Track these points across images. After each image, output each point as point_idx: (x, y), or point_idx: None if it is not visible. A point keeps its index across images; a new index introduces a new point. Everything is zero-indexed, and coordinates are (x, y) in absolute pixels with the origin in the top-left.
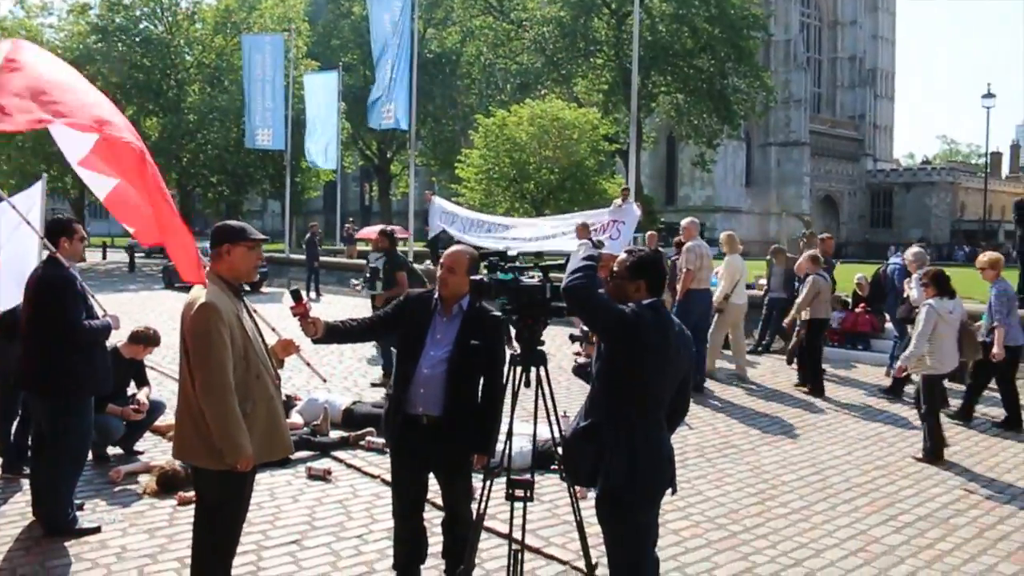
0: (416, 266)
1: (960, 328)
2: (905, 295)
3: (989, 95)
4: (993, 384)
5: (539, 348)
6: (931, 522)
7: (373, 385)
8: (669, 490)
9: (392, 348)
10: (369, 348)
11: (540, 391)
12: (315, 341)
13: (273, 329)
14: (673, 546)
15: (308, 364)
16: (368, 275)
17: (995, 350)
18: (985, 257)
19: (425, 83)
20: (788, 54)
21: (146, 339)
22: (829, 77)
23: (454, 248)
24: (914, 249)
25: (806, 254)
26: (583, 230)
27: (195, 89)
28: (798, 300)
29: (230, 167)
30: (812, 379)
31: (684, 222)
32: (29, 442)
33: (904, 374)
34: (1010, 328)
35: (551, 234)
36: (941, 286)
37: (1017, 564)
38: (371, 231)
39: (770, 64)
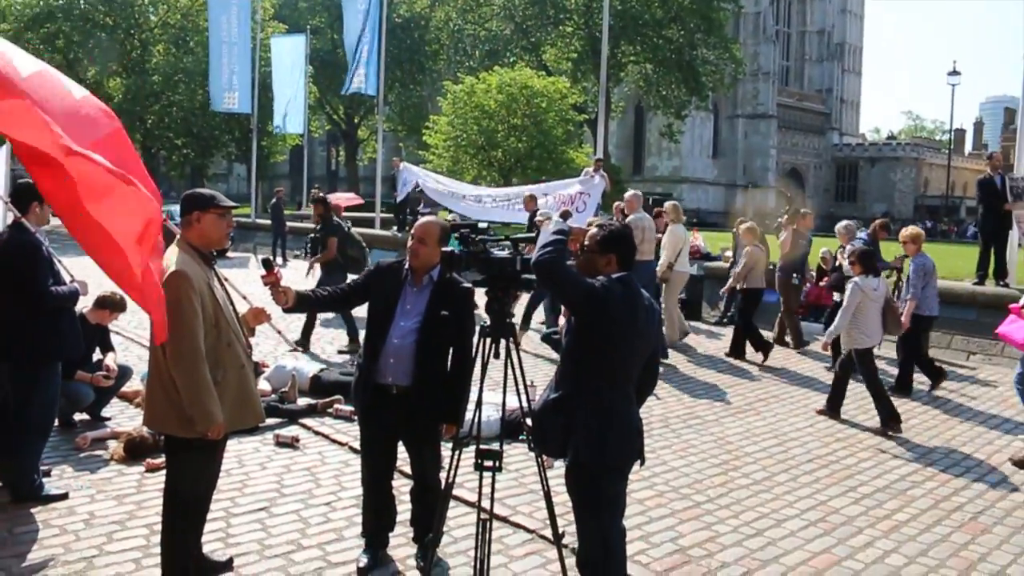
0: (383, 233)
1: (884, 304)
2: (837, 264)
3: (955, 72)
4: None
5: (508, 320)
6: (889, 493)
7: (340, 352)
8: (638, 462)
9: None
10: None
11: (509, 362)
12: (286, 310)
13: (244, 297)
14: (638, 515)
15: (279, 332)
16: (309, 243)
17: (903, 319)
18: (907, 232)
19: (393, 48)
20: (757, 26)
21: (112, 304)
22: (798, 50)
23: (425, 219)
24: (844, 222)
25: (744, 226)
26: (530, 201)
27: (160, 50)
28: (736, 270)
29: (195, 130)
30: (758, 345)
31: (627, 195)
32: None
33: (827, 349)
34: (924, 299)
35: (514, 199)
36: (866, 264)
37: (969, 533)
38: (338, 198)
39: (739, 36)
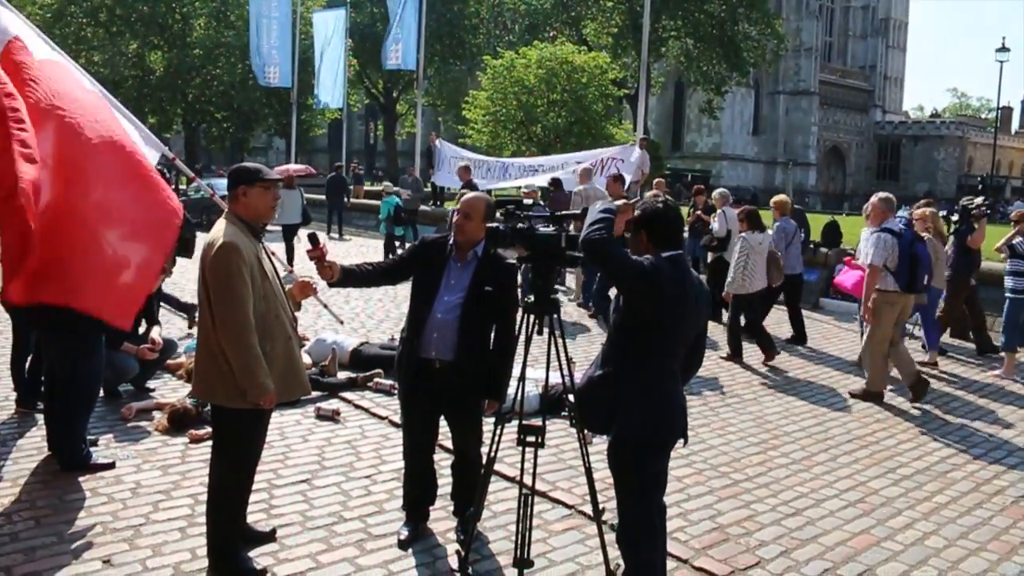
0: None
1: (768, 256)
2: (709, 227)
3: (1003, 49)
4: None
5: (552, 296)
6: (929, 475)
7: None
8: (681, 440)
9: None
10: (377, 290)
11: (552, 339)
12: (331, 284)
13: (290, 271)
14: (676, 492)
15: (325, 306)
16: None
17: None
18: (774, 200)
19: (432, 22)
20: (800, 2)
21: None
22: (841, 26)
23: (471, 195)
24: (720, 189)
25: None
26: (584, 176)
27: (201, 23)
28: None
29: (236, 104)
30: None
31: (580, 167)
32: (42, 378)
33: (728, 299)
34: (787, 259)
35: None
36: (753, 222)
37: (1011, 518)
38: (286, 169)
39: (782, 11)
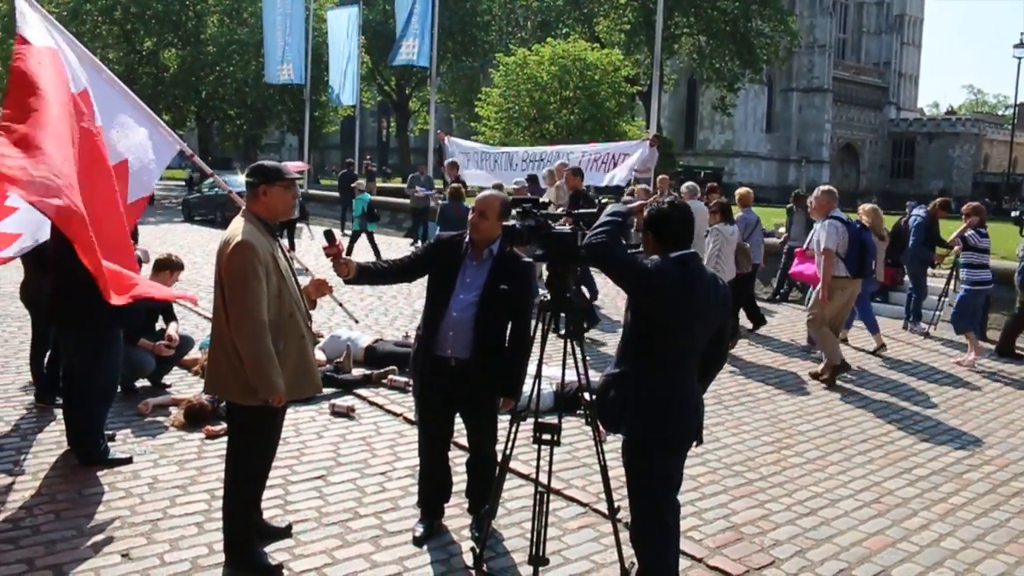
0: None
1: (736, 247)
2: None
3: (1021, 44)
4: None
5: (568, 295)
6: (945, 476)
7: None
8: (695, 441)
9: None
10: (391, 287)
11: (568, 337)
12: (347, 282)
13: (307, 269)
14: (691, 491)
15: (341, 305)
16: None
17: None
18: (737, 192)
19: (445, 19)
20: None
21: (171, 265)
22: (855, 22)
23: (486, 193)
24: (688, 183)
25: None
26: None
27: (214, 21)
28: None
29: (249, 101)
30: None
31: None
32: (60, 374)
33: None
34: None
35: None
36: (725, 214)
37: None
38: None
39: (795, 8)
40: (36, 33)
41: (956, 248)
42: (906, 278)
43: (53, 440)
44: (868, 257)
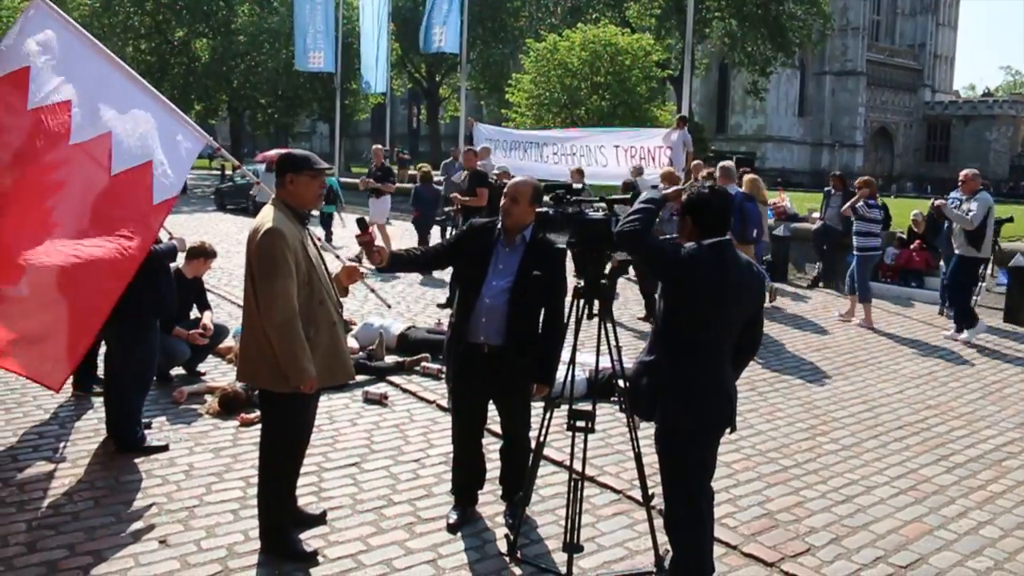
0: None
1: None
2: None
3: None
4: None
5: (602, 281)
6: (983, 463)
7: (440, 306)
8: (728, 428)
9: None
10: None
11: (602, 324)
12: (380, 269)
13: (338, 256)
14: (725, 478)
15: (373, 291)
16: None
17: None
18: (719, 165)
19: (475, 5)
20: None
21: (204, 252)
22: (889, 4)
23: (518, 179)
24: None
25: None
26: (576, 175)
27: (244, 10)
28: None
29: (280, 90)
30: None
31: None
32: (98, 362)
33: None
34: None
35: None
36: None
37: None
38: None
39: None
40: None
41: (852, 218)
42: (941, 263)
43: (91, 428)
44: (749, 224)
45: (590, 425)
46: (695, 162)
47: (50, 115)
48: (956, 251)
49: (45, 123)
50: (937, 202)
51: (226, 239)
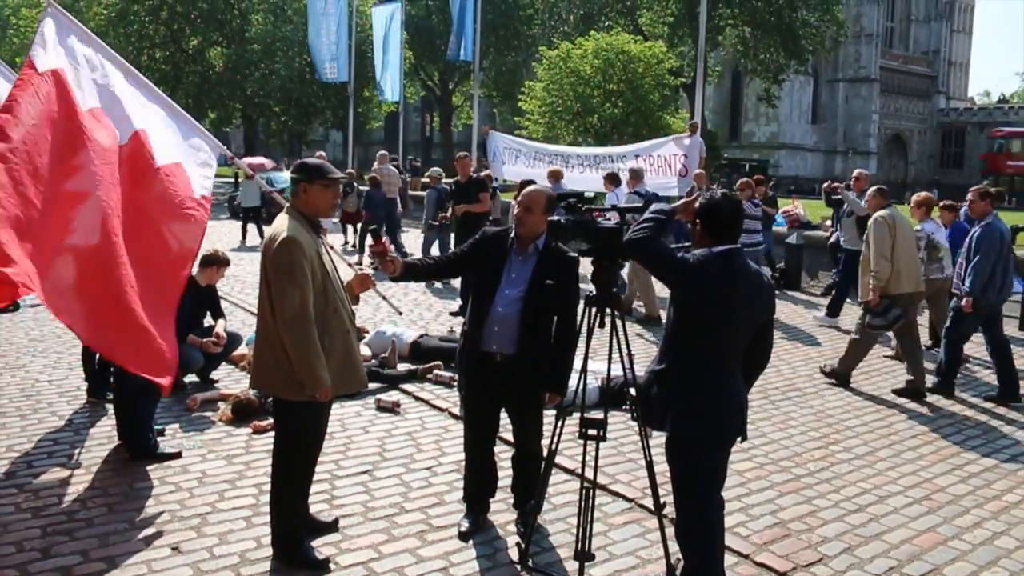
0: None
1: None
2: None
3: None
4: None
5: (614, 290)
6: (998, 473)
7: (452, 314)
8: (739, 437)
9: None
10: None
11: (614, 332)
12: (393, 279)
13: (350, 265)
14: (737, 487)
15: (384, 298)
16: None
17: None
18: (694, 172)
19: (488, 13)
20: None
21: (217, 260)
22: (903, 10)
23: (531, 187)
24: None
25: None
26: (609, 182)
27: (258, 19)
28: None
29: (294, 98)
30: None
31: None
32: (111, 369)
33: None
34: None
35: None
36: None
37: None
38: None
39: None
40: (48, 57)
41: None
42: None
43: (104, 435)
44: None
45: (602, 433)
46: (697, 171)
47: (97, 116)
48: (844, 244)
49: (95, 123)
50: (832, 184)
51: (239, 246)
